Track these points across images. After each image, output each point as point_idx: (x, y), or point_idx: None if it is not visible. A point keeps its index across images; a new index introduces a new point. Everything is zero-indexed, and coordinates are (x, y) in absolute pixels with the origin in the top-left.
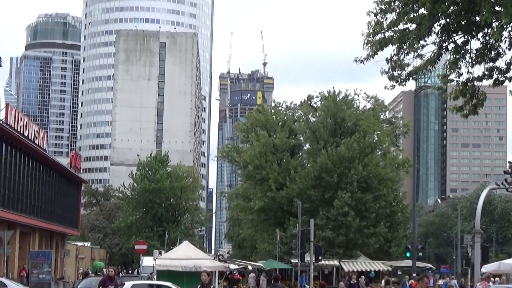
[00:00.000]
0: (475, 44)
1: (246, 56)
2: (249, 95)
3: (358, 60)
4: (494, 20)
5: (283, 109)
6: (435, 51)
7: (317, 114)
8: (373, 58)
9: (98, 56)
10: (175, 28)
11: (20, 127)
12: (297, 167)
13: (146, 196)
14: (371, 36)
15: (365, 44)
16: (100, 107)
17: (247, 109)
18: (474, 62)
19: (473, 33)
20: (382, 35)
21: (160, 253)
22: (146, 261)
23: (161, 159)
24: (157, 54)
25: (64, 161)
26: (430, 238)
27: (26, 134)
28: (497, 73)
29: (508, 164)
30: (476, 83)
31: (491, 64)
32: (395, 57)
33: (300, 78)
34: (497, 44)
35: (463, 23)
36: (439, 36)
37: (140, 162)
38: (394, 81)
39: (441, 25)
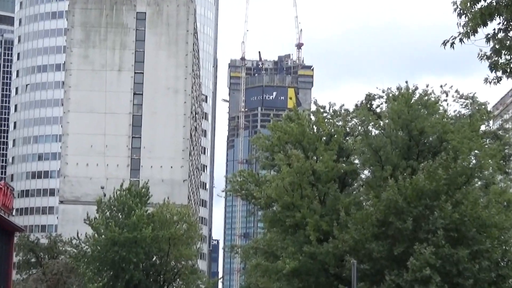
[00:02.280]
0: None
1: (270, 34)
2: (275, 93)
3: (447, 42)
4: None
5: (328, 116)
6: None
7: (382, 124)
8: (470, 37)
9: (41, 35)
10: None
11: None
12: (350, 207)
13: (114, 252)
14: (469, 3)
15: (459, 16)
16: (44, 112)
17: (271, 115)
18: None
19: None
20: (486, 2)
21: None
22: None
23: (138, 194)
24: (133, 31)
25: None
26: None
27: None
28: None
29: None
30: None
31: None
32: (501, 34)
33: (354, 69)
34: None
35: None
36: None
37: (99, 199)
38: (500, 71)
39: None
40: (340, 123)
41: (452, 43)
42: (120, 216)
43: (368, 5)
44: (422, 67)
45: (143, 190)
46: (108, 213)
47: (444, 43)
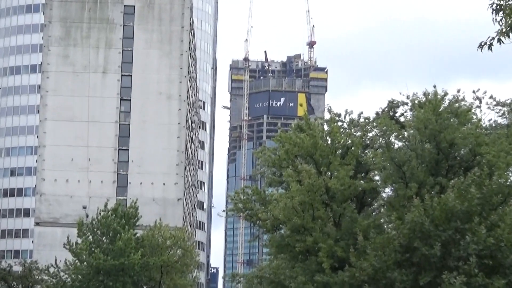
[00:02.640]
0: None
1: (277, 31)
2: (283, 100)
3: (484, 44)
4: None
5: (344, 125)
6: None
7: (406, 135)
8: (509, 36)
9: (14, 31)
10: None
11: None
12: (369, 230)
13: (98, 281)
14: None
15: (495, 12)
16: (17, 121)
17: (279, 125)
18: None
19: None
20: None
21: None
22: None
23: (126, 215)
24: (120, 27)
25: None
26: None
27: None
28: None
29: None
30: None
31: None
32: None
33: (375, 72)
34: None
35: None
36: None
37: (81, 221)
38: None
39: None
40: (358, 133)
41: (490, 45)
42: (105, 240)
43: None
44: (454, 70)
45: (131, 210)
46: (91, 237)
47: (481, 46)
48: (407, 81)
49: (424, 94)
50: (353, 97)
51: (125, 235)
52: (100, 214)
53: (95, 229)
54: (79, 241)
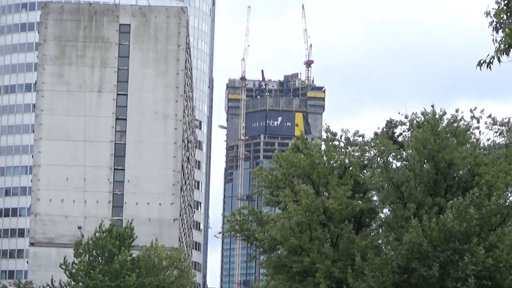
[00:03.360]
0: None
1: (274, 50)
2: (280, 119)
3: (483, 62)
4: None
5: (341, 144)
6: None
7: (404, 155)
8: (508, 54)
9: (8, 50)
10: None
11: None
12: (367, 251)
13: None
14: (505, 15)
15: (495, 31)
16: (12, 140)
17: (276, 144)
18: None
19: None
20: None
21: None
22: None
23: (121, 235)
24: (115, 45)
25: None
26: None
27: None
28: None
29: None
30: None
31: None
32: None
33: (376, 93)
34: None
35: None
36: None
37: (79, 241)
38: None
39: None
40: (357, 153)
41: (489, 63)
42: (101, 260)
43: (393, 17)
44: (459, 90)
45: (127, 231)
46: (87, 257)
47: (480, 64)
48: (409, 101)
49: (423, 113)
50: (354, 118)
51: (121, 256)
52: (96, 234)
53: (91, 250)
54: (76, 261)
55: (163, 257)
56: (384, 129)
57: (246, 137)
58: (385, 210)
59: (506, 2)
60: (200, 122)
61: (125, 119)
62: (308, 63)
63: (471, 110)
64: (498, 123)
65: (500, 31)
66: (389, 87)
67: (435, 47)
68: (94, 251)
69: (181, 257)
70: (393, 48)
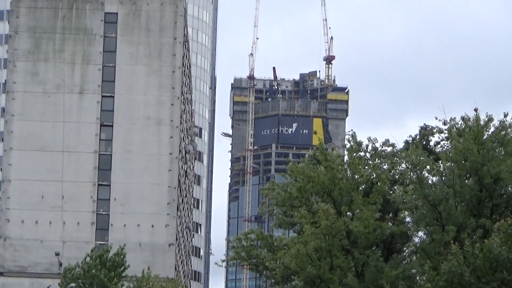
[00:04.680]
0: None
1: (288, 44)
2: (295, 126)
3: None
4: None
5: (368, 156)
6: None
7: (442, 168)
8: None
9: None
10: None
11: None
12: (398, 282)
13: None
14: None
15: None
16: None
17: (291, 156)
18: None
19: None
20: None
21: None
22: None
23: (112, 262)
24: (100, 38)
25: None
26: None
27: None
28: None
29: None
30: None
31: None
32: None
33: (410, 94)
34: None
35: None
36: None
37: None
38: None
39: None
40: (386, 166)
41: None
42: None
43: (439, 8)
44: (495, 92)
45: (117, 257)
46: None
47: None
48: (456, 106)
49: (463, 119)
50: (383, 124)
51: (112, 286)
52: (85, 262)
53: (78, 280)
54: None
55: None
56: (417, 138)
57: (255, 147)
58: (420, 234)
59: None
60: (201, 129)
61: (111, 126)
62: (329, 59)
63: None
64: None
65: None
66: (425, 88)
67: (486, 43)
68: (80, 280)
69: None
70: (430, 40)
